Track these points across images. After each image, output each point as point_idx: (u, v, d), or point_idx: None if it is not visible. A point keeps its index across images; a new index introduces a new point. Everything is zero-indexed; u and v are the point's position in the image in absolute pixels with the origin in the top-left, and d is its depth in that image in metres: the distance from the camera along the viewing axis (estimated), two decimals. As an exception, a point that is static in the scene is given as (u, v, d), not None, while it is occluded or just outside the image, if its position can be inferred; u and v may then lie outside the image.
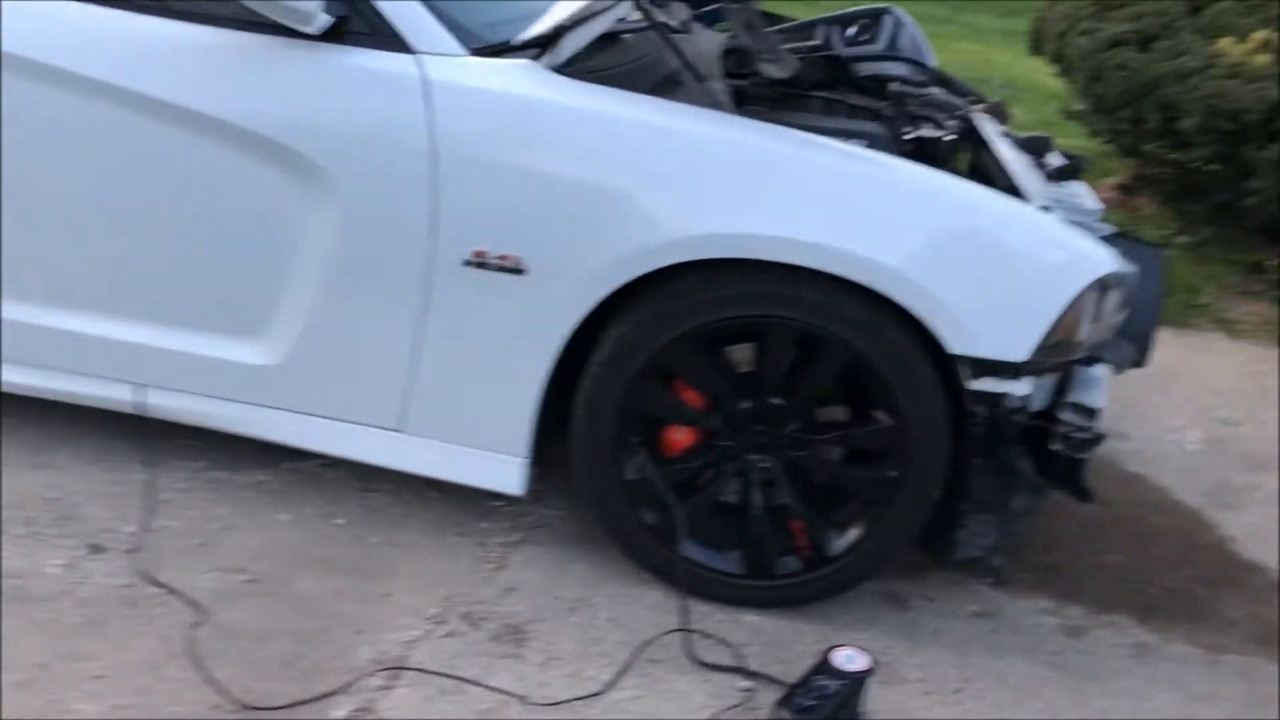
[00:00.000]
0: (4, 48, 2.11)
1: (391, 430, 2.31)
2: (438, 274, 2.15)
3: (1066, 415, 2.23)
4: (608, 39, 2.34)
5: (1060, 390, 2.31)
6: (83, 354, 2.33)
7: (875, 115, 2.60)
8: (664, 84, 2.34)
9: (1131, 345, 2.39)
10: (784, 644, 2.24)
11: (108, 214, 2.20)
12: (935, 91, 2.90)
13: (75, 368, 2.34)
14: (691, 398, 2.23)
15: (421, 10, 2.12)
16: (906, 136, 2.54)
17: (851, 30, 3.01)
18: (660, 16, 2.58)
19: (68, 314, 2.30)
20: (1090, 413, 2.23)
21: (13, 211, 2.21)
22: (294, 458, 2.53)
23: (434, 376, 2.24)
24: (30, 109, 2.14)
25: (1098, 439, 2.29)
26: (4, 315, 2.30)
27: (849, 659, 2.05)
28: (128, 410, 2.37)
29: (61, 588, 2.12)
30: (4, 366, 2.35)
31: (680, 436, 2.27)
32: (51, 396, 2.39)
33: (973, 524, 2.26)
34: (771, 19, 3.31)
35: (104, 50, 2.12)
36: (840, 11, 3.08)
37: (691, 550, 2.28)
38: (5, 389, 2.39)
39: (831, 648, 2.09)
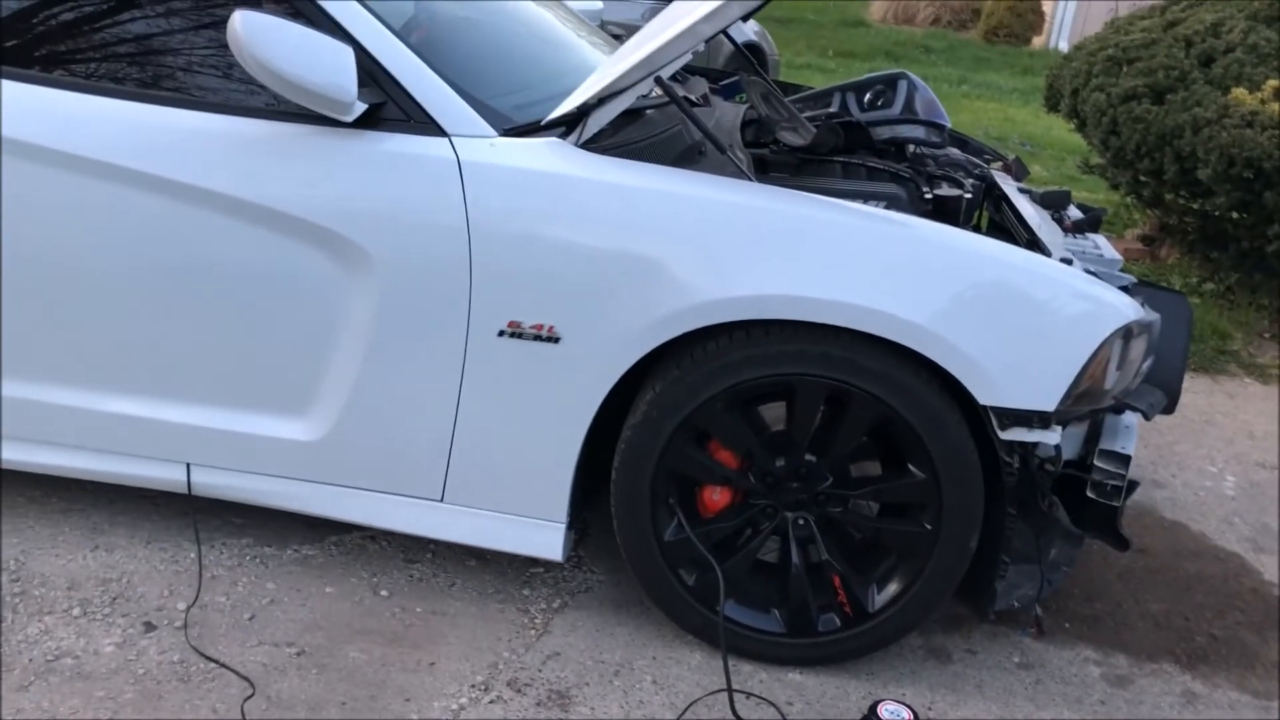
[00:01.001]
0: (69, 149, 2.21)
1: (433, 501, 2.36)
2: (474, 345, 2.21)
3: (1099, 463, 2.25)
4: (631, 115, 2.42)
5: (1092, 439, 2.33)
6: (134, 436, 2.40)
7: (894, 177, 2.66)
8: (687, 155, 2.42)
9: (1161, 391, 2.41)
10: (829, 701, 2.25)
11: (159, 300, 2.29)
12: (953, 152, 2.96)
13: (127, 450, 2.41)
14: (726, 457, 2.27)
15: (453, 96, 2.21)
16: (926, 196, 2.60)
17: (867, 96, 3.08)
18: (680, 91, 2.67)
19: (119, 398, 2.38)
20: (1123, 460, 2.25)
21: (69, 300, 2.30)
22: (339, 531, 2.59)
23: (473, 446, 2.30)
24: (87, 203, 2.23)
25: (1131, 486, 2.31)
26: (59, 401, 2.37)
27: (894, 714, 2.06)
28: (178, 490, 2.43)
29: (116, 665, 2.17)
30: (61, 451, 2.42)
31: (717, 496, 2.31)
32: (106, 479, 2.46)
33: (1011, 575, 2.27)
34: (788, 88, 3.41)
35: (156, 146, 2.21)
36: (855, 79, 3.16)
37: (732, 610, 2.30)
38: (63, 474, 2.46)
39: (876, 703, 2.10)
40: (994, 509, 2.22)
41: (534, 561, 2.59)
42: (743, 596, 2.32)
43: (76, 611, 2.30)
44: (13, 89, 2.25)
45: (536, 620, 2.42)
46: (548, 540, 2.33)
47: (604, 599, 2.50)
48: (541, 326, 2.18)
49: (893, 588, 2.28)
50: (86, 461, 2.44)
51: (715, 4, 2.11)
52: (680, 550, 2.30)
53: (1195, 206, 4.85)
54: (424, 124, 2.19)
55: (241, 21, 2.02)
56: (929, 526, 2.21)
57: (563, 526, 2.32)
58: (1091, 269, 2.31)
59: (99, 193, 2.23)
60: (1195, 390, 3.99)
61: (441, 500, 2.36)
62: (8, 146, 2.22)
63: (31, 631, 2.22)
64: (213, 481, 2.42)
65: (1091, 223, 2.76)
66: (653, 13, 7.21)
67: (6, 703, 2.05)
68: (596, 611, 2.46)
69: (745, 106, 2.98)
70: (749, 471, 2.27)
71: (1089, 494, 2.26)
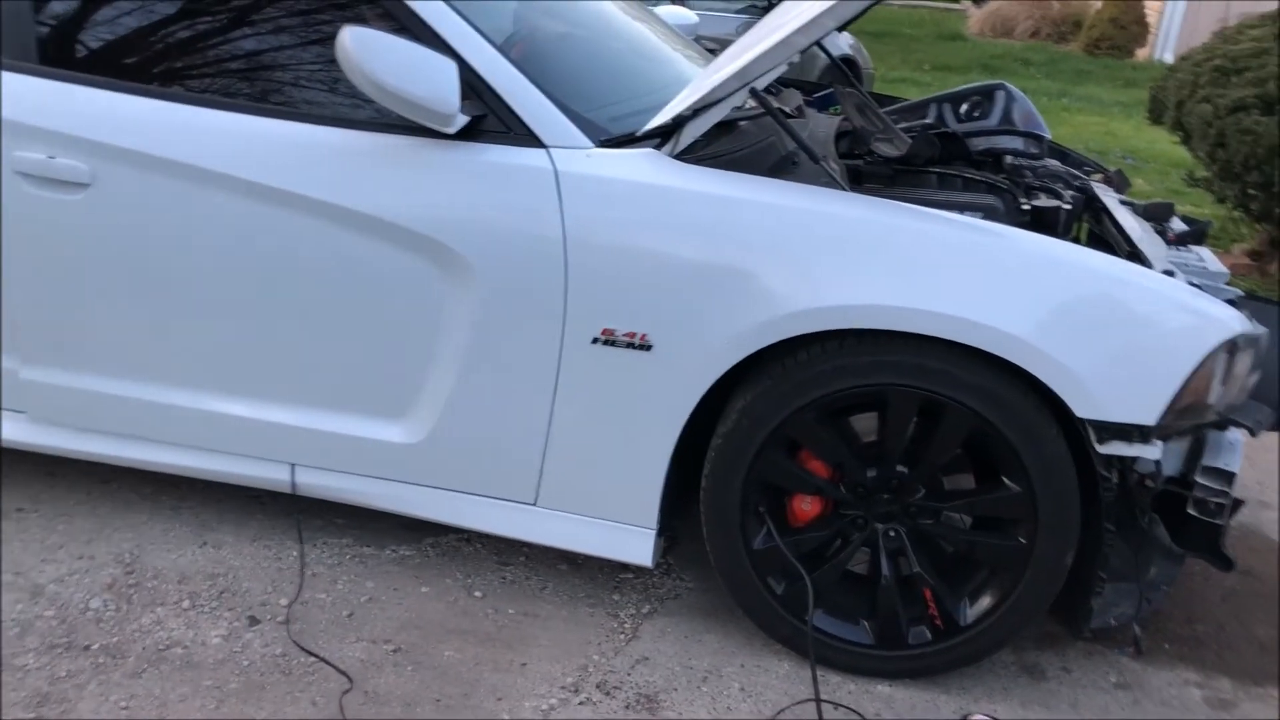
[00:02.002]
0: (186, 159, 2.31)
1: (526, 505, 2.41)
2: (569, 352, 2.25)
3: (1202, 480, 2.20)
4: (725, 126, 2.45)
5: (1195, 455, 2.28)
6: (242, 437, 2.49)
7: (991, 188, 2.64)
8: (781, 165, 2.43)
9: (1268, 408, 2.34)
10: (918, 714, 2.23)
11: (268, 305, 2.38)
12: (1051, 163, 2.92)
13: (235, 450, 2.51)
14: (817, 467, 2.27)
15: (552, 109, 2.26)
16: (1024, 207, 2.57)
17: (964, 107, 3.06)
18: (775, 103, 2.68)
19: (229, 400, 2.47)
20: (1226, 477, 2.19)
21: (183, 306, 2.41)
22: (435, 533, 2.65)
23: (566, 451, 2.34)
24: (203, 212, 2.33)
25: (1236, 505, 2.24)
26: (172, 402, 2.48)
27: (985, 728, 2.04)
28: (282, 489, 2.52)
29: (222, 656, 2.25)
30: (172, 450, 2.53)
31: (807, 506, 2.31)
32: (214, 478, 2.56)
33: (1109, 593, 2.23)
34: (883, 100, 3.39)
35: (267, 156, 2.30)
36: (952, 90, 3.14)
37: (822, 620, 2.30)
38: (174, 472, 2.56)
39: (966, 717, 2.08)
40: (1091, 525, 2.18)
41: (624, 567, 2.61)
42: (832, 607, 2.32)
43: (186, 604, 2.39)
44: (132, 103, 2.36)
45: (626, 625, 2.44)
46: (638, 546, 2.36)
47: (693, 606, 2.52)
48: (634, 335, 2.21)
49: (985, 602, 2.26)
50: (197, 460, 2.54)
51: (810, 15, 2.13)
52: (770, 559, 2.30)
53: (1307, 220, 4.69)
54: (523, 136, 2.25)
55: (350, 37, 2.10)
56: (1023, 541, 2.18)
57: (653, 533, 2.35)
58: (1195, 281, 2.26)
59: (211, 201, 2.32)
60: (1306, 410, 3.85)
61: (535, 504, 2.40)
62: (132, 158, 2.33)
63: (145, 622, 2.32)
64: (316, 482, 2.50)
65: (1196, 235, 2.69)
66: (747, 26, 7.24)
67: (122, 688, 2.14)
68: (685, 618, 2.48)
69: (840, 118, 2.98)
70: (840, 482, 2.27)
71: (1191, 511, 2.20)
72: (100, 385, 2.49)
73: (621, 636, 2.40)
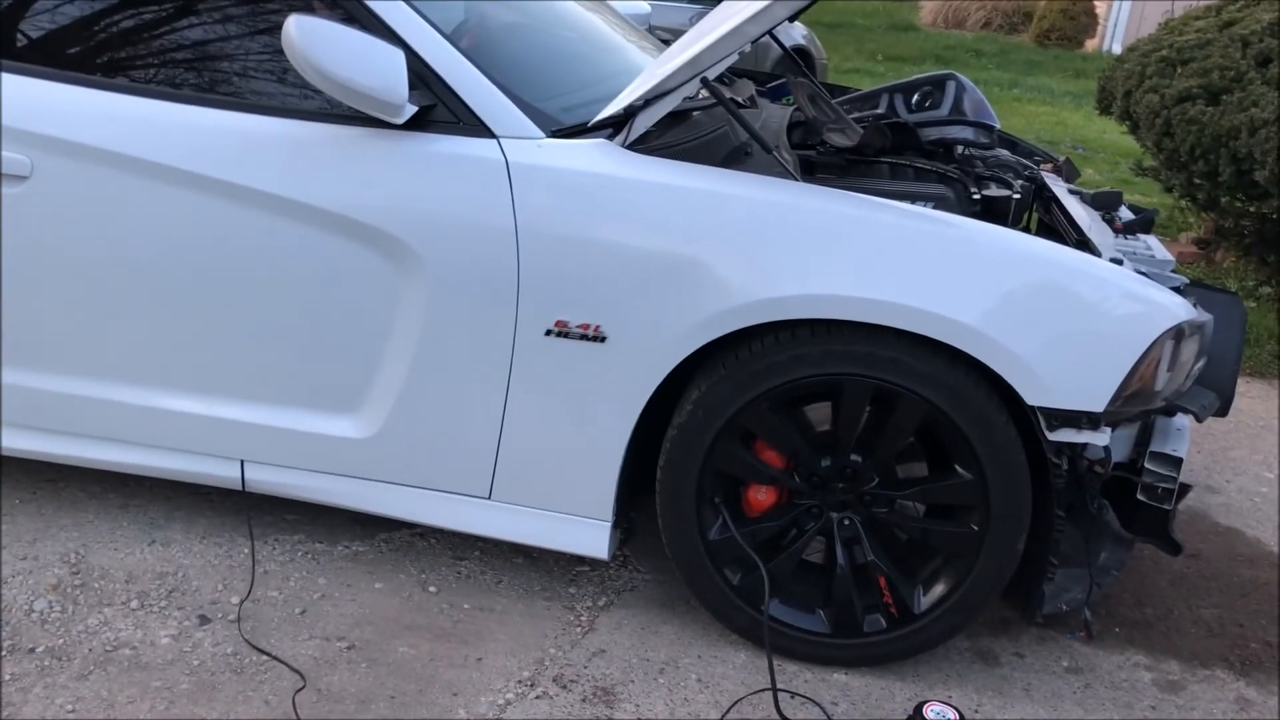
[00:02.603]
0: (126, 151, 2.26)
1: (481, 499, 2.39)
2: (521, 344, 2.24)
3: (1150, 466, 2.23)
4: (678, 116, 2.44)
5: (1143, 441, 2.31)
6: (189, 433, 2.45)
7: (942, 177, 2.65)
8: (733, 156, 2.43)
9: (1214, 394, 2.38)
10: (874, 702, 2.24)
11: (214, 299, 2.34)
12: (1001, 153, 2.95)
13: (183, 446, 2.46)
14: (772, 457, 2.27)
15: (501, 98, 2.24)
16: (975, 197, 2.59)
17: (915, 97, 3.08)
18: (727, 93, 2.68)
19: (176, 395, 2.43)
20: (1174, 462, 2.22)
21: (125, 300, 2.36)
22: (388, 528, 2.63)
23: (519, 444, 2.32)
24: (144, 203, 2.29)
25: (1184, 490, 2.28)
26: (117, 398, 2.43)
27: (940, 715, 2.06)
28: (232, 486, 2.48)
29: (172, 657, 2.21)
30: (118, 447, 2.48)
31: (762, 496, 2.31)
32: (163, 475, 2.52)
33: (1060, 578, 2.26)
34: (836, 90, 3.40)
35: (210, 148, 2.26)
36: (903, 80, 3.16)
37: (777, 610, 2.31)
38: (121, 469, 2.52)
39: (922, 703, 2.09)
40: (1042, 511, 2.20)
41: (580, 560, 2.60)
42: (788, 596, 2.32)
43: (134, 604, 2.35)
44: (73, 93, 2.30)
45: (582, 618, 2.43)
46: (593, 539, 2.35)
47: (649, 598, 2.52)
48: (588, 326, 2.20)
49: (939, 589, 2.27)
50: (144, 458, 2.49)
51: (761, 5, 2.12)
52: (725, 549, 2.30)
53: (1252, 209, 4.77)
54: (473, 126, 2.22)
55: (296, 26, 2.07)
56: (976, 528, 2.20)
57: (608, 525, 2.34)
58: (1143, 269, 2.29)
59: (155, 194, 2.28)
60: (1251, 395, 3.92)
61: (489, 498, 2.38)
62: (72, 149, 2.28)
63: (91, 622, 2.28)
64: (266, 478, 2.47)
65: (1143, 224, 2.73)
66: (700, 16, 7.23)
67: (68, 690, 2.10)
68: (642, 610, 2.47)
69: (792, 108, 2.99)
70: (794, 471, 2.27)
71: (1140, 497, 2.23)
72: (43, 382, 2.44)
73: (578, 629, 2.40)
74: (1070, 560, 2.25)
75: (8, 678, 2.11)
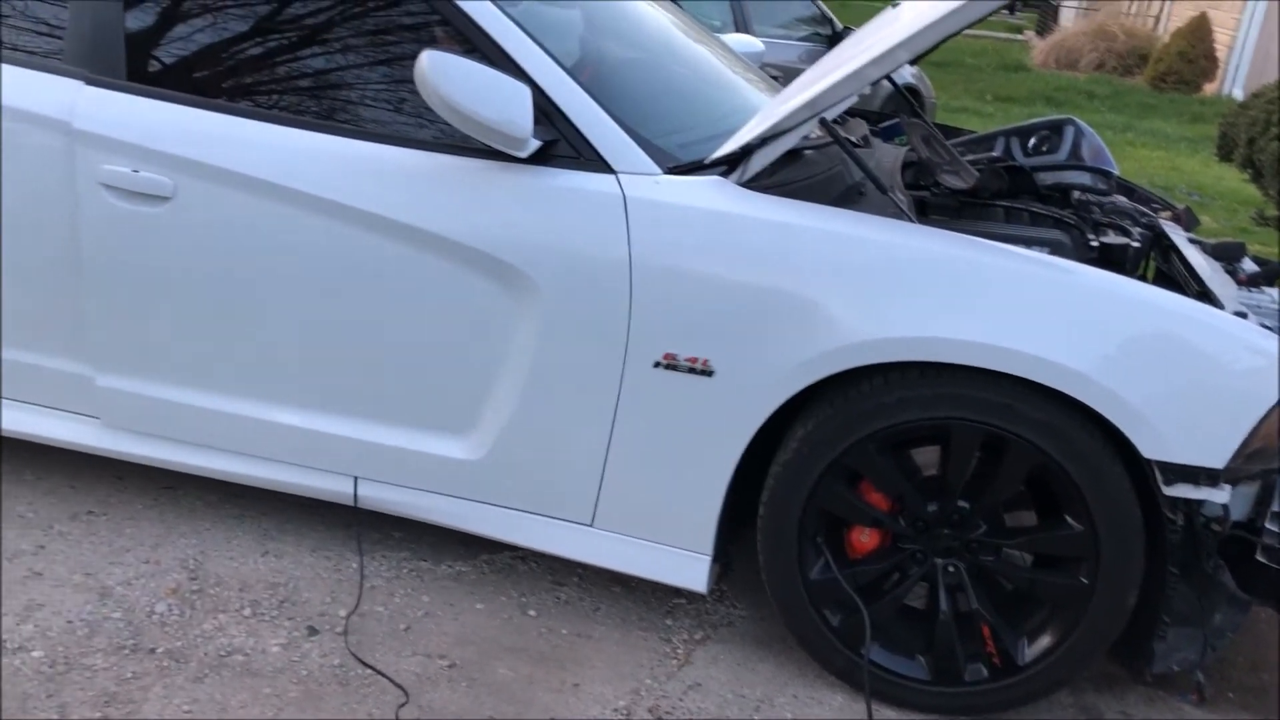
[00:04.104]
0: (255, 174, 2.36)
1: (583, 525, 2.42)
2: (630, 375, 2.27)
3: (1271, 526, 2.16)
4: (793, 155, 2.46)
5: (1264, 501, 2.24)
6: (306, 448, 2.53)
7: (1058, 223, 2.62)
8: (847, 195, 2.44)
9: (1340, 455, 2.30)
10: (972, 753, 2.20)
11: (335, 319, 2.42)
12: (1119, 199, 2.90)
13: (299, 461, 2.55)
14: (876, 499, 2.26)
15: (621, 134, 2.29)
16: (1092, 243, 2.55)
17: (1032, 141, 3.05)
18: (841, 133, 2.69)
19: (295, 412, 2.52)
20: (1296, 524, 2.15)
21: (251, 318, 2.46)
22: (491, 549, 2.67)
23: (624, 474, 2.35)
24: (272, 226, 2.38)
25: (1306, 552, 2.20)
26: (243, 412, 2.53)
27: (1042, 770, 2.01)
28: (344, 501, 2.55)
29: (282, 665, 2.28)
30: (238, 459, 2.58)
31: (865, 538, 2.30)
32: (278, 488, 2.60)
33: (1172, 637, 2.20)
34: (949, 131, 3.39)
35: (338, 174, 2.35)
36: (1020, 123, 3.13)
37: (877, 654, 2.29)
38: (240, 481, 2.61)
39: (1023, 757, 2.06)
40: (1155, 567, 2.15)
41: (678, 592, 2.62)
42: (888, 641, 2.30)
43: (247, 612, 2.43)
44: (214, 119, 2.42)
45: (679, 650, 2.44)
46: (693, 571, 2.36)
47: (746, 634, 2.52)
48: (696, 360, 2.22)
49: (1045, 641, 2.23)
50: (261, 470, 2.58)
51: (884, 48, 2.13)
52: (826, 590, 2.30)
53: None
54: (593, 161, 2.27)
55: (428, 60, 2.14)
56: (1085, 581, 2.16)
57: (708, 559, 2.35)
58: (1268, 324, 2.23)
59: (285, 217, 2.37)
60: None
61: (591, 525, 2.42)
62: (211, 173, 2.39)
63: (207, 627, 2.36)
64: (376, 495, 2.54)
65: (1268, 276, 2.65)
66: (810, 54, 7.25)
67: (185, 692, 2.18)
68: (738, 646, 2.47)
69: (905, 149, 2.98)
70: (900, 515, 2.26)
71: (1259, 558, 2.17)
72: (171, 394, 2.55)
73: (674, 662, 2.41)
74: (1183, 619, 2.19)
75: (129, 675, 2.20)
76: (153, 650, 2.28)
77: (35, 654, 2.23)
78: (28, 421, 2.66)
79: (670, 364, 2.24)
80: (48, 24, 2.53)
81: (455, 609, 2.51)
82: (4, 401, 2.66)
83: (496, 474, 2.43)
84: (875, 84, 2.61)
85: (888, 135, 3.39)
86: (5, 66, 2.50)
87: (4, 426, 2.67)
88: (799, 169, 2.47)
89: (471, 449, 2.43)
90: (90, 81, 2.46)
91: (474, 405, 2.41)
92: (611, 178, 2.26)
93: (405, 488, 2.52)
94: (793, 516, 2.26)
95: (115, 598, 2.43)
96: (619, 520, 2.40)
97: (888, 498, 2.26)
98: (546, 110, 2.27)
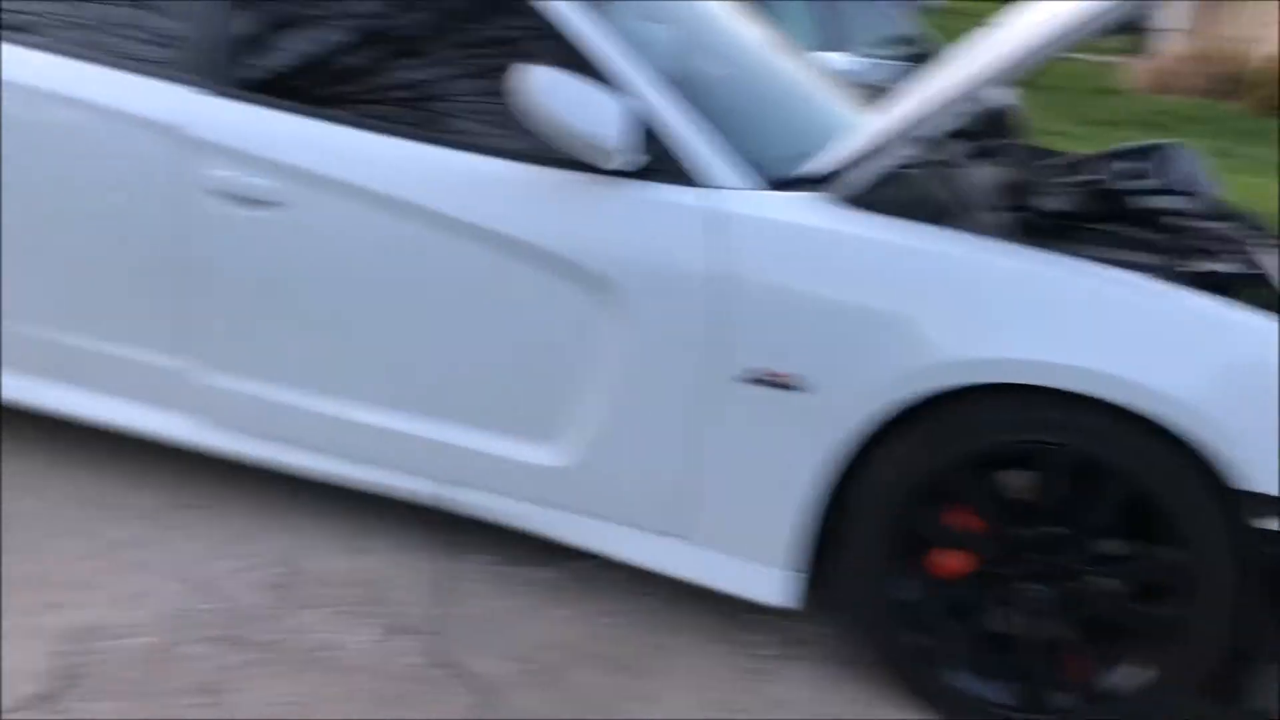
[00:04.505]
0: (373, 186, 2.43)
1: (668, 536, 2.44)
2: (719, 389, 2.29)
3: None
4: (891, 172, 2.45)
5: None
6: (395, 450, 2.59)
7: (1155, 247, 2.58)
8: (946, 214, 2.43)
9: None
10: (1058, 783, 2.17)
11: (429, 324, 2.48)
12: (1218, 225, 2.84)
13: (390, 462, 2.61)
14: (965, 521, 2.24)
15: (716, 149, 2.32)
16: (1188, 269, 2.50)
17: (1130, 164, 3.00)
18: (941, 153, 2.68)
19: (389, 414, 2.58)
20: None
21: (346, 320, 2.52)
22: (575, 556, 2.70)
23: (710, 487, 2.36)
24: (365, 230, 2.45)
25: None
26: (340, 414, 2.59)
27: (1131, 803, 1.97)
28: (430, 503, 2.61)
29: (369, 662, 2.33)
30: (332, 458, 2.65)
31: (952, 560, 2.28)
32: (370, 489, 2.67)
33: (1265, 674, 2.14)
34: (1046, 154, 3.35)
35: (433, 182, 2.41)
36: (1118, 146, 3.08)
37: (963, 678, 2.26)
38: (334, 480, 2.68)
39: (1111, 790, 2.01)
40: (1246, 602, 2.10)
41: (762, 606, 2.61)
42: (974, 665, 2.28)
43: (337, 608, 2.49)
44: (320, 128, 2.49)
45: (761, 666, 2.44)
46: (778, 587, 2.37)
47: (829, 652, 2.51)
48: (788, 375, 2.23)
49: (1134, 672, 2.19)
50: (354, 470, 2.65)
51: (988, 69, 2.13)
52: (912, 611, 2.28)
53: None
54: (688, 175, 2.30)
55: (524, 74, 2.19)
56: (1177, 611, 2.11)
57: (794, 574, 2.35)
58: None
59: (385, 224, 2.44)
60: None
61: (676, 536, 2.43)
62: (304, 177, 2.46)
63: (298, 621, 2.43)
64: (464, 499, 2.58)
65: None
66: (902, 73, 7.20)
67: (278, 683, 2.24)
68: (821, 664, 2.47)
69: (1003, 169, 2.95)
70: (988, 538, 2.23)
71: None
72: (270, 393, 2.63)
73: (756, 677, 2.41)
74: (1274, 656, 2.13)
75: (227, 665, 2.27)
76: (249, 641, 2.35)
77: (141, 640, 2.32)
78: (135, 416, 2.76)
79: (761, 379, 2.25)
80: (161, 33, 2.63)
81: (538, 614, 2.54)
82: (114, 397, 2.76)
83: (582, 482, 2.46)
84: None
85: (987, 155, 3.36)
86: (120, 73, 2.61)
87: (115, 421, 2.77)
88: (897, 187, 2.46)
89: (558, 456, 2.47)
90: (201, 89, 2.56)
91: (562, 413, 2.45)
92: (706, 192, 2.28)
93: (492, 492, 2.56)
94: (879, 536, 2.25)
95: (214, 589, 2.50)
96: (704, 533, 2.41)
97: (977, 520, 2.23)
98: (640, 123, 2.30)
